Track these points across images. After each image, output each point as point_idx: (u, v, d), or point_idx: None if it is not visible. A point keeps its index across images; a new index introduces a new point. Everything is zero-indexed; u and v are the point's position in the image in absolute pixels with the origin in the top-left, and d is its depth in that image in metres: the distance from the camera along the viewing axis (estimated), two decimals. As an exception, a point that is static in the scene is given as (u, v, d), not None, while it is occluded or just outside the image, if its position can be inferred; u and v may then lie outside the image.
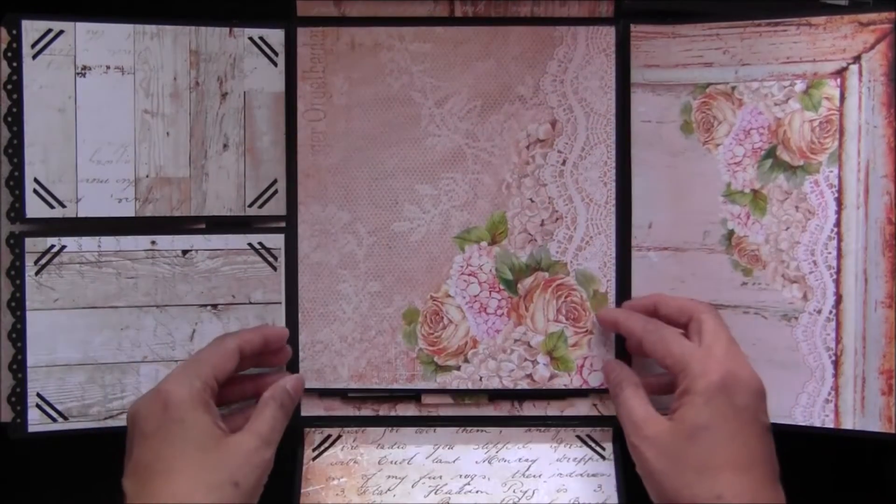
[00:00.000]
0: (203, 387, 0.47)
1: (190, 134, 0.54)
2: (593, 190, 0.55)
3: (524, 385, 0.55)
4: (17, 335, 0.53)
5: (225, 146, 0.55)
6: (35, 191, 0.52)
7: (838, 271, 0.53)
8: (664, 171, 0.56)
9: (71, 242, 0.53)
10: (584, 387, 0.55)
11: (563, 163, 0.55)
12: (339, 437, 0.56)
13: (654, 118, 0.56)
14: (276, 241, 0.56)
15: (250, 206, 0.55)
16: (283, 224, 0.56)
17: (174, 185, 0.54)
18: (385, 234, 0.56)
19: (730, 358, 0.47)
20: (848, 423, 0.53)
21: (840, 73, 0.53)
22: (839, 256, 0.53)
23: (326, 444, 0.56)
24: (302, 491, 0.55)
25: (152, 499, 0.43)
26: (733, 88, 0.55)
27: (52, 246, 0.53)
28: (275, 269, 0.56)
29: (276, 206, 0.56)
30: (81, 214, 0.53)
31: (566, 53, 0.55)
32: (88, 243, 0.53)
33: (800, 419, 0.53)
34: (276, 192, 0.56)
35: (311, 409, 0.56)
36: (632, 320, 0.52)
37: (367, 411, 0.57)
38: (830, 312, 0.53)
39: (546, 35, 0.55)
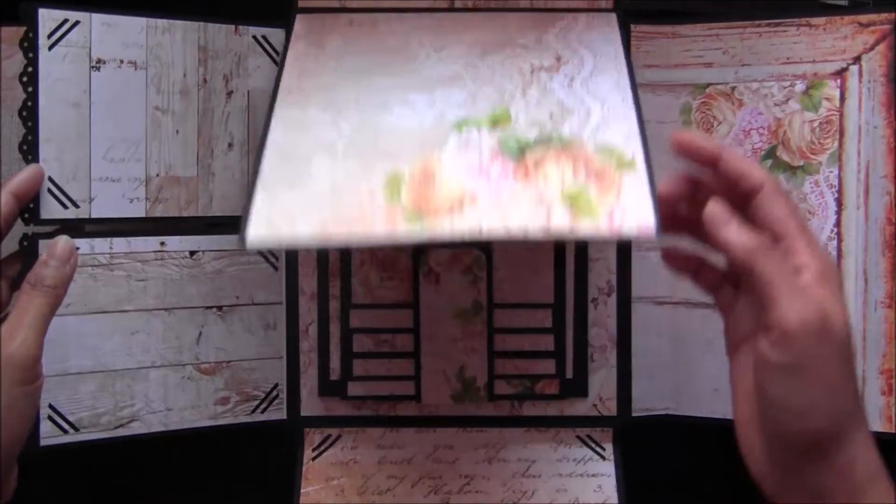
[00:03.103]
0: None
1: (198, 132, 0.54)
2: (607, 94, 0.48)
3: (537, 234, 0.40)
4: None
5: (230, 145, 0.54)
6: (49, 190, 0.51)
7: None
8: (664, 171, 0.56)
9: (84, 244, 0.52)
10: (614, 236, 0.40)
11: (572, 80, 0.50)
12: (339, 437, 0.56)
13: (654, 118, 0.56)
14: None
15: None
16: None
17: (182, 185, 0.54)
18: (371, 126, 0.47)
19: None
20: (848, 424, 0.53)
21: (840, 73, 0.53)
22: (839, 257, 0.53)
23: (326, 444, 0.56)
24: (302, 491, 0.54)
25: None
26: (733, 89, 0.55)
27: None
28: (276, 269, 0.56)
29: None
30: (94, 215, 0.52)
31: (568, 24, 0.53)
32: (101, 245, 0.52)
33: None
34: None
35: (311, 409, 0.56)
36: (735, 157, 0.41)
37: (366, 411, 0.56)
38: (830, 313, 0.53)
39: (547, 17, 0.54)
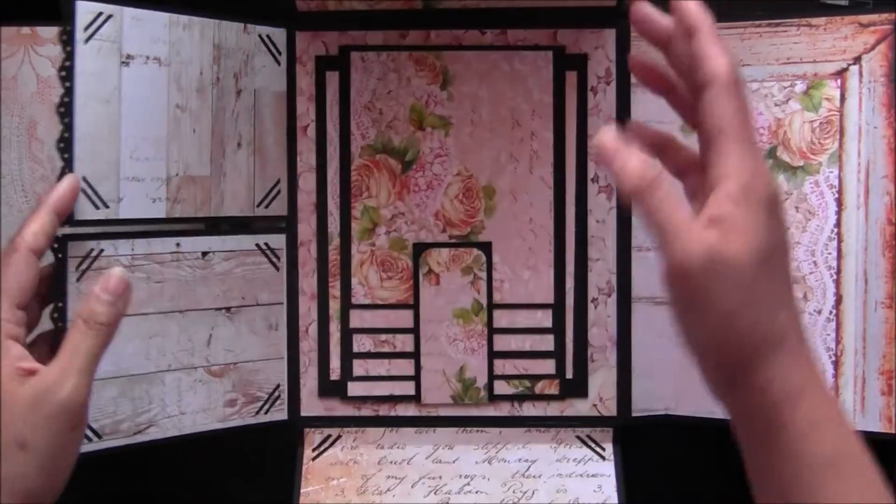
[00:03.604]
0: (3, 326, 0.40)
1: (212, 131, 0.53)
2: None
3: None
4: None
5: (239, 145, 0.54)
6: (83, 190, 0.49)
7: (838, 272, 0.53)
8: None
9: (108, 246, 0.50)
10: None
11: None
12: (339, 437, 0.56)
13: (654, 118, 0.56)
14: (279, 241, 0.56)
15: (258, 206, 0.55)
16: (283, 224, 0.56)
17: (198, 185, 0.53)
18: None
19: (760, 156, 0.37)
20: (848, 424, 0.53)
21: (840, 73, 0.53)
22: (839, 257, 0.53)
23: (326, 445, 0.56)
24: (302, 491, 0.55)
25: None
26: (733, 89, 0.55)
27: (92, 250, 0.50)
28: (277, 269, 0.56)
29: (279, 206, 0.56)
30: (122, 216, 0.50)
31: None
32: (123, 247, 0.51)
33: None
34: (279, 192, 0.56)
35: (311, 409, 0.56)
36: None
37: (366, 411, 0.56)
38: (830, 313, 0.53)
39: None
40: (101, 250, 0.50)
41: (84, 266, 0.49)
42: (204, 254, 0.54)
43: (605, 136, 0.37)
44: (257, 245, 0.55)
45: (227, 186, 0.54)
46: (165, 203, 0.52)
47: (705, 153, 0.37)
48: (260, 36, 0.55)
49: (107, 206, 0.50)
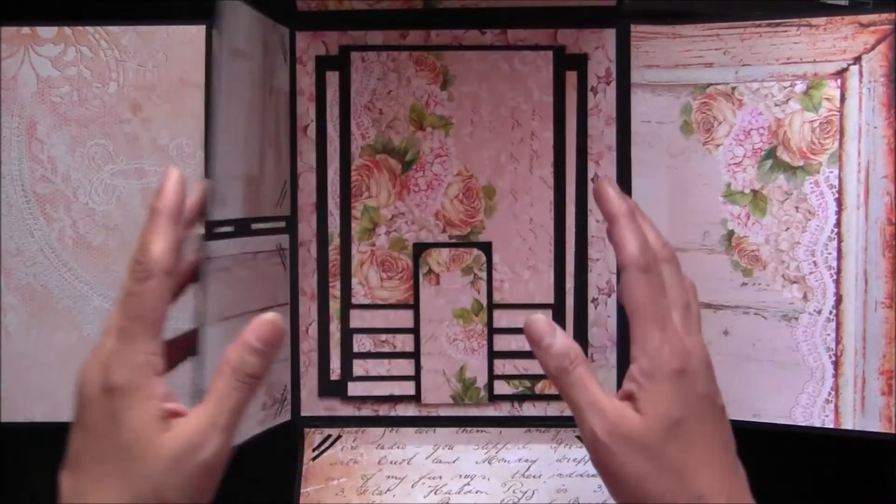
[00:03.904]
0: (147, 364, 0.37)
1: (262, 132, 0.52)
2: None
3: None
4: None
5: (269, 145, 0.54)
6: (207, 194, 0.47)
7: (838, 272, 0.53)
8: (664, 171, 0.56)
9: (225, 245, 0.47)
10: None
11: None
12: (339, 437, 0.56)
13: (654, 118, 0.56)
14: (286, 241, 0.56)
15: (276, 206, 0.55)
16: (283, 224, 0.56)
17: (264, 184, 0.52)
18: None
19: (687, 330, 0.41)
20: (848, 424, 0.53)
21: (840, 73, 0.53)
22: (839, 257, 0.53)
23: (326, 445, 0.56)
24: (302, 491, 0.55)
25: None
26: (733, 89, 0.55)
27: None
28: (286, 268, 0.56)
29: (286, 206, 0.56)
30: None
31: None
32: (229, 247, 0.48)
33: (800, 419, 0.53)
34: (285, 192, 0.56)
35: (310, 409, 0.56)
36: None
37: (366, 411, 0.57)
38: (830, 313, 0.53)
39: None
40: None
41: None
42: (255, 254, 0.51)
43: (537, 318, 0.42)
44: (277, 245, 0.55)
45: (266, 186, 0.53)
46: (241, 203, 0.49)
47: (629, 327, 0.41)
48: (280, 35, 0.55)
49: None
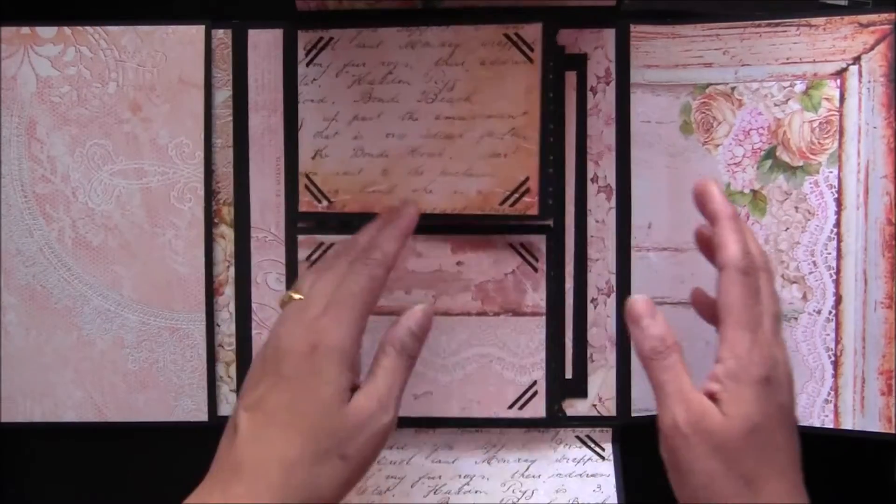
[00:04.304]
0: (354, 338, 0.41)
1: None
2: None
3: None
4: None
5: None
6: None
7: (838, 272, 0.53)
8: (664, 171, 0.56)
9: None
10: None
11: None
12: (339, 437, 0.56)
13: (654, 118, 0.56)
14: None
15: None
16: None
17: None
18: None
19: (776, 339, 0.42)
20: (847, 424, 0.53)
21: (840, 73, 0.53)
22: (839, 257, 0.53)
23: (326, 444, 0.56)
24: (301, 491, 0.55)
25: (265, 451, 0.39)
26: (733, 89, 0.55)
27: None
28: None
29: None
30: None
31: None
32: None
33: (799, 419, 0.53)
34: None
35: (310, 409, 0.56)
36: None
37: (366, 411, 0.57)
38: (830, 313, 0.53)
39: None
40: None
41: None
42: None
43: (638, 298, 0.44)
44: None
45: None
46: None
47: (719, 327, 0.42)
48: None
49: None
